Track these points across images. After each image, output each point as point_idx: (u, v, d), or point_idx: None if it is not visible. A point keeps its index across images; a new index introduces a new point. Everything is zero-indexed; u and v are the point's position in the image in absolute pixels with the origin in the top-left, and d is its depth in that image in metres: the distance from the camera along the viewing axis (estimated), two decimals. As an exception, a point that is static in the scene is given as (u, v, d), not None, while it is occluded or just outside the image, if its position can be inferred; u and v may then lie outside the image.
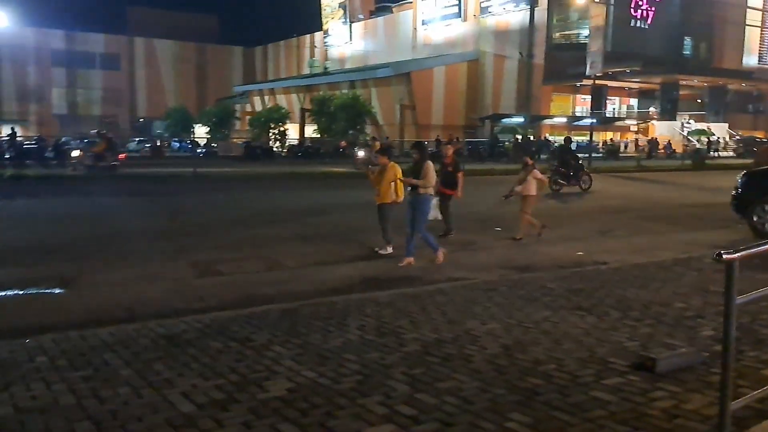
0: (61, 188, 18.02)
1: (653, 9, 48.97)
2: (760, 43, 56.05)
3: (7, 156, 28.69)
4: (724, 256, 2.78)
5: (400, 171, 9.04)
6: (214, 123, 51.25)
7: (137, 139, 50.82)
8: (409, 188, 8.46)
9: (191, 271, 7.77)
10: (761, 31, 54.61)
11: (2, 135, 44.99)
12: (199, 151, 40.70)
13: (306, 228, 11.37)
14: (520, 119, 40.82)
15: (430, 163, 8.36)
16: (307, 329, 4.98)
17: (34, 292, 6.77)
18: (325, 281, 7.17)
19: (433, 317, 5.38)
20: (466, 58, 51.79)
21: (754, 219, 10.51)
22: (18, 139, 31.52)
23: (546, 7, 45.87)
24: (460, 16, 53.00)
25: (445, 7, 54.18)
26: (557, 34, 48.63)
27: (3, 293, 6.67)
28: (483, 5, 50.92)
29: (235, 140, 47.40)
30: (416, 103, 47.78)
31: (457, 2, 52.94)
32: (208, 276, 7.54)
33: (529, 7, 43.26)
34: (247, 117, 56.32)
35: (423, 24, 57.04)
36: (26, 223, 11.72)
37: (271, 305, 5.82)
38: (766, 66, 56.15)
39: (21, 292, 6.72)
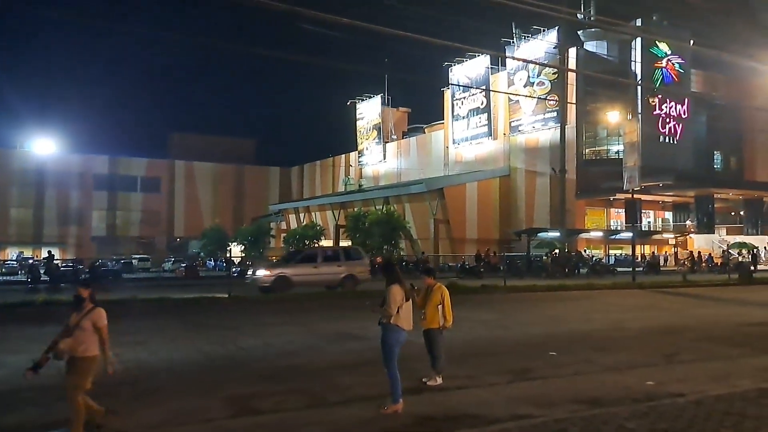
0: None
1: (680, 125, 49.57)
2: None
3: (42, 279, 28.82)
4: None
5: (448, 293, 8.51)
6: (249, 241, 51.96)
7: (172, 258, 51.57)
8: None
9: (225, 409, 7.13)
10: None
11: (40, 258, 46.11)
12: (233, 270, 40.61)
13: (347, 355, 10.71)
14: (556, 233, 40.36)
15: (393, 287, 6.98)
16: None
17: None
18: (374, 421, 6.45)
19: (506, 470, 4.64)
20: (497, 174, 52.49)
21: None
22: (54, 262, 31.86)
23: (575, 125, 46.80)
24: (490, 135, 54.34)
25: (476, 127, 55.79)
26: (587, 150, 49.22)
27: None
28: (513, 124, 52.23)
29: (271, 258, 47.64)
30: (450, 218, 47.95)
31: (487, 122, 54.47)
32: (245, 415, 6.88)
33: (557, 125, 44.34)
34: (282, 235, 57.16)
35: (454, 143, 58.55)
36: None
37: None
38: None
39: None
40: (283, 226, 67.01)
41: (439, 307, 8.33)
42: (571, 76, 43.62)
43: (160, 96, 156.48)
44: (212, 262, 52.08)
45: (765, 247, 47.31)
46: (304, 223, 57.74)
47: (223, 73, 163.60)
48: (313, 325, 14.47)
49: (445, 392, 7.74)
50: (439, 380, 8.24)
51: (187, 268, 42.49)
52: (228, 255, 50.68)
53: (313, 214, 62.59)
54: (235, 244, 54.40)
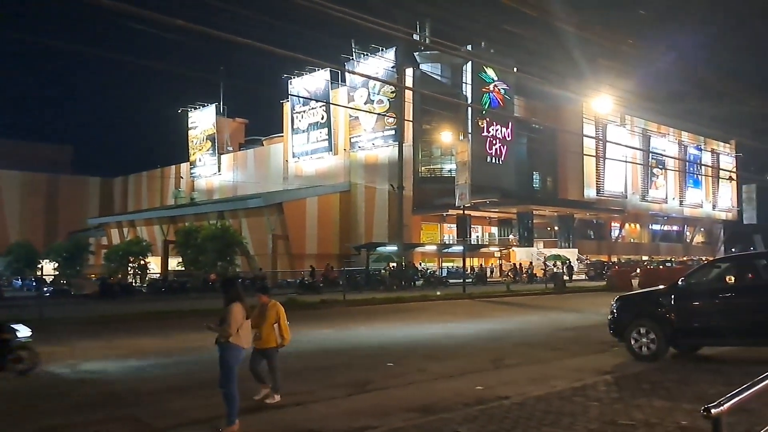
0: None
1: (505, 147, 53.78)
2: (597, 177, 62.86)
3: None
4: (713, 411, 2.40)
5: (283, 310, 8.25)
6: (64, 258, 47.24)
7: (-32, 279, 45.46)
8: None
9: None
10: (596, 163, 61.32)
11: None
12: (45, 289, 36.62)
13: (177, 378, 10.03)
14: (393, 247, 41.59)
15: (234, 305, 6.62)
16: None
17: None
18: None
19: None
20: (338, 189, 52.99)
21: (632, 342, 10.71)
22: None
23: (412, 143, 48.81)
24: (330, 150, 54.82)
25: (316, 141, 55.98)
26: (423, 168, 51.59)
27: None
28: (353, 140, 53.17)
29: (90, 276, 43.73)
30: (289, 233, 47.47)
31: (328, 137, 54.93)
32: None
33: (395, 143, 46.00)
34: (104, 251, 52.69)
35: (294, 156, 58.20)
36: None
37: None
38: (603, 197, 62.69)
39: None
40: (105, 241, 61.99)
41: (275, 325, 8.09)
42: (408, 96, 45.45)
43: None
44: (19, 282, 46.63)
45: (577, 259, 52.62)
46: (129, 238, 53.79)
47: (35, 70, 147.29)
48: (137, 347, 13.45)
49: (284, 409, 7.52)
50: (277, 398, 7.99)
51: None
52: (39, 273, 45.74)
53: (138, 228, 58.62)
54: (48, 261, 49.21)
